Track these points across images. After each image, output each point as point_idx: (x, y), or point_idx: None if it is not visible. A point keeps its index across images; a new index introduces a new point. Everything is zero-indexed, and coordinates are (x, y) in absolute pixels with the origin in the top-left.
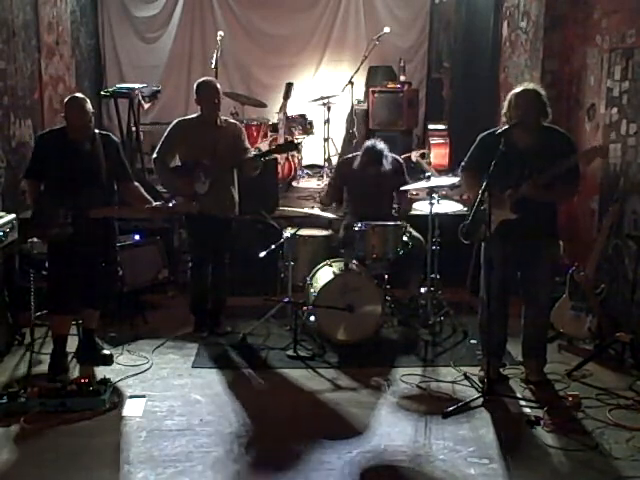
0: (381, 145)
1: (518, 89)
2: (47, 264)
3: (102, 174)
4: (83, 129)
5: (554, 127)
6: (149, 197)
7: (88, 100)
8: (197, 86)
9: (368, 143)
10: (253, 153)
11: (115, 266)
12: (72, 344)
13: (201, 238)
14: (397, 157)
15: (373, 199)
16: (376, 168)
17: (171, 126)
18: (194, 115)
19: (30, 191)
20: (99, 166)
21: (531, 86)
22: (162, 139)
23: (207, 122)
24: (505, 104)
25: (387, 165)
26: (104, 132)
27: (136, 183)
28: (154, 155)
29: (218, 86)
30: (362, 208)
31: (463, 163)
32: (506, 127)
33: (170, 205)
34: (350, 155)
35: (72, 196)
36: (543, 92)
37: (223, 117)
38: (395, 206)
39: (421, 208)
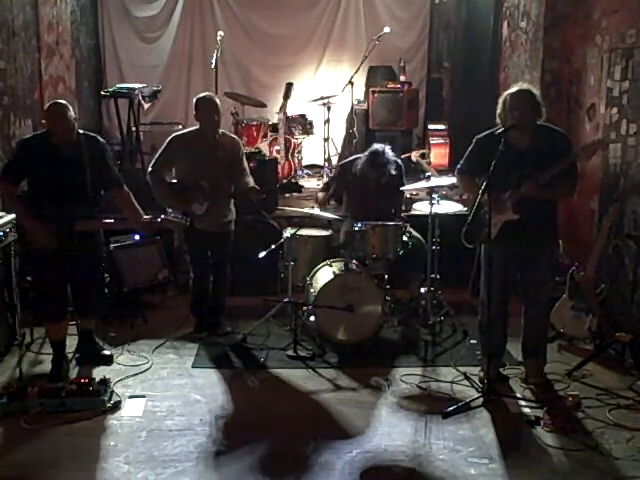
0: (387, 151)
1: (512, 90)
2: (31, 273)
3: (87, 182)
4: (64, 136)
5: (550, 126)
6: (139, 208)
7: (70, 107)
8: (196, 102)
9: (374, 147)
10: (252, 186)
11: (102, 273)
12: (72, 343)
13: (201, 252)
14: (398, 160)
15: (373, 202)
16: (379, 173)
17: (167, 141)
18: (192, 129)
19: (6, 195)
20: (83, 173)
21: (525, 86)
22: (158, 153)
23: (205, 137)
24: (499, 105)
25: (392, 171)
26: (91, 134)
27: (126, 189)
28: (149, 168)
29: (218, 102)
30: (362, 211)
31: (459, 165)
32: (505, 128)
33: (159, 220)
34: (351, 158)
35: (57, 206)
36: (537, 92)
37: (222, 130)
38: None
39: (421, 208)
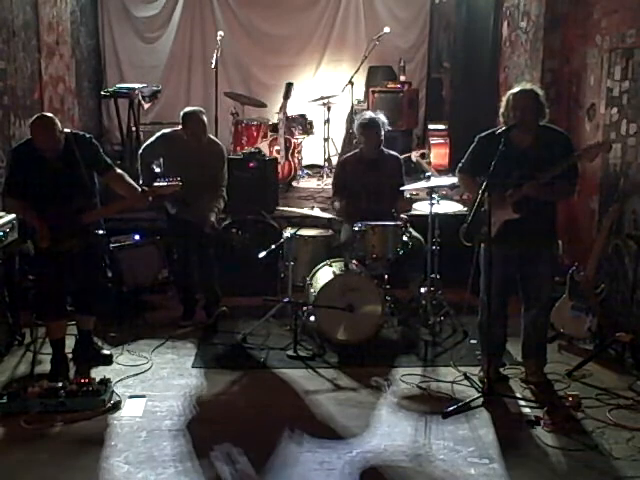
0: (378, 114)
1: (515, 89)
2: (34, 270)
3: (84, 181)
4: (49, 149)
5: (552, 126)
6: (135, 183)
7: (56, 121)
8: (184, 117)
9: (364, 115)
10: (213, 224)
11: (106, 270)
12: (71, 343)
13: (183, 237)
14: (396, 154)
15: (373, 197)
16: (374, 137)
17: (156, 136)
18: (179, 129)
19: (17, 208)
20: (79, 172)
21: (528, 86)
22: (149, 141)
23: (189, 143)
24: (502, 104)
25: (385, 127)
26: (78, 133)
27: (119, 171)
28: (140, 151)
29: (205, 119)
30: (362, 206)
31: (460, 164)
32: (505, 127)
33: (153, 188)
34: (349, 153)
35: (60, 206)
36: (541, 92)
37: (210, 136)
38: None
39: (421, 208)
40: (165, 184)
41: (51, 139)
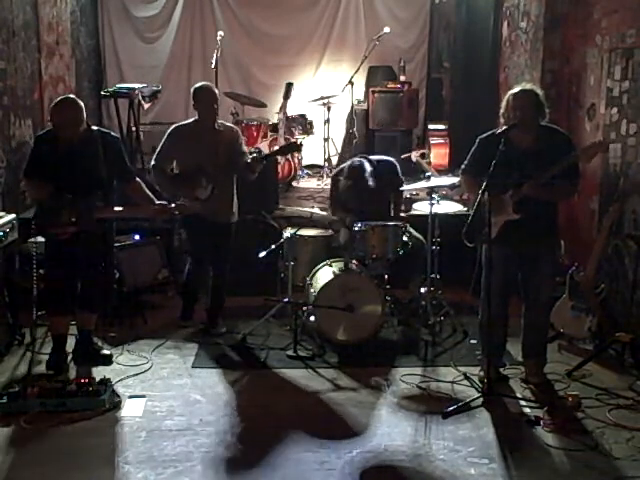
0: (362, 163)
1: (515, 89)
2: (45, 264)
3: (101, 174)
4: (67, 127)
5: (552, 126)
6: (152, 196)
7: (78, 105)
8: (195, 91)
9: (351, 162)
10: (254, 155)
11: (112, 268)
12: (71, 345)
13: (201, 240)
14: (390, 159)
15: (371, 201)
16: (360, 186)
17: (168, 132)
18: (191, 120)
19: (33, 188)
20: (97, 167)
21: (528, 86)
22: (160, 145)
23: (205, 127)
24: (503, 104)
25: (371, 182)
26: (105, 130)
27: (138, 180)
28: (152, 162)
29: (216, 91)
30: (362, 209)
31: (463, 166)
32: (505, 128)
33: (174, 206)
34: (338, 168)
35: (73, 196)
36: (540, 92)
37: (220, 120)
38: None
39: (421, 208)
40: (186, 204)
41: (71, 117)
